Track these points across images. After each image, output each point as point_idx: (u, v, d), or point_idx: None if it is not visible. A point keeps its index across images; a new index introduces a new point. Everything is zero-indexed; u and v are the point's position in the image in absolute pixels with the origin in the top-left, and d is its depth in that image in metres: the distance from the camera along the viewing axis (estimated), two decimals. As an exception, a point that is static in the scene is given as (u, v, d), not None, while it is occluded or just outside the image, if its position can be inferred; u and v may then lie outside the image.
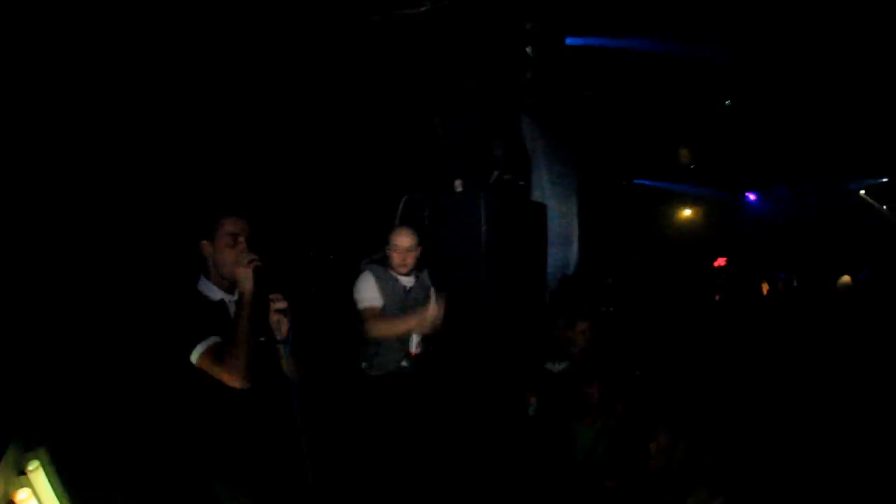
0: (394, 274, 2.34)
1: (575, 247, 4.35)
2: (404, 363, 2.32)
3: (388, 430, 2.30)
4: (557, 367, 2.95)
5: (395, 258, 2.31)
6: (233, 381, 1.54)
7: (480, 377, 2.70)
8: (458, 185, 3.05)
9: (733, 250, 9.01)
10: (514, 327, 3.01)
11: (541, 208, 3.50)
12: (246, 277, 1.54)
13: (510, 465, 2.68)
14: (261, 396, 1.65)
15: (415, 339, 2.30)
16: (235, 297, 1.62)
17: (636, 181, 7.36)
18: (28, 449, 1.41)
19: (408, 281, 2.37)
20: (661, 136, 6.82)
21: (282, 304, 1.63)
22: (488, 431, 2.69)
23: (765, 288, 7.73)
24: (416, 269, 2.39)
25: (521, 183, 3.50)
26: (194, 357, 1.54)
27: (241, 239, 1.63)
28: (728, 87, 5.85)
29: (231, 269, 1.61)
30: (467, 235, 2.75)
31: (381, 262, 2.36)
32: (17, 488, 1.25)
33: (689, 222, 8.98)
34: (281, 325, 1.65)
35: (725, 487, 2.22)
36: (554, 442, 2.75)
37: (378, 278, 2.30)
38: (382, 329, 2.24)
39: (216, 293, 1.67)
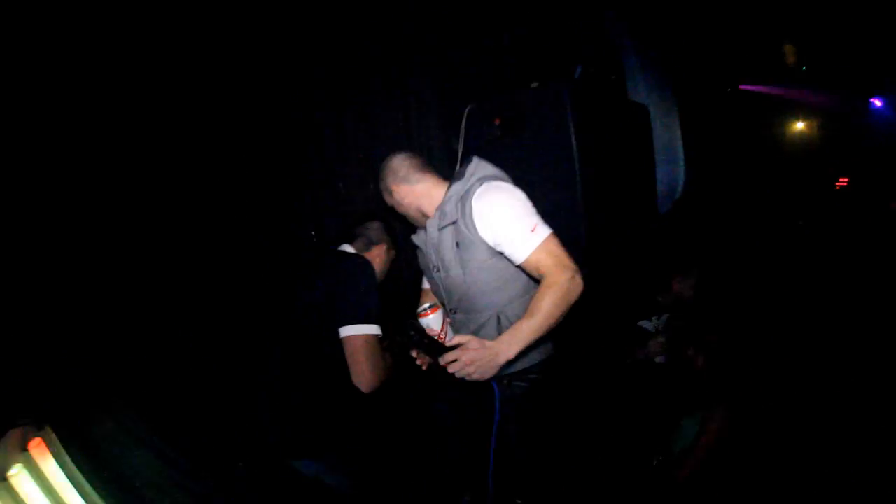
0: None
1: (682, 164, 3.48)
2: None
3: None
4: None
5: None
6: (365, 382, 1.48)
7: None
8: (535, 86, 2.33)
9: (857, 168, 7.47)
10: (619, 265, 2.33)
11: (642, 110, 2.70)
12: None
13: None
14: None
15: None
16: None
17: (742, 87, 6.11)
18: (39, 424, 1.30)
19: (429, 227, 1.57)
20: (767, 29, 5.52)
21: None
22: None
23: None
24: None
25: (612, 77, 2.70)
26: (348, 332, 1.47)
27: None
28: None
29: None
30: (552, 145, 2.07)
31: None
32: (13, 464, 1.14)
33: (802, 136, 7.51)
34: None
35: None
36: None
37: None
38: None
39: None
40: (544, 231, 1.37)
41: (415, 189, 1.56)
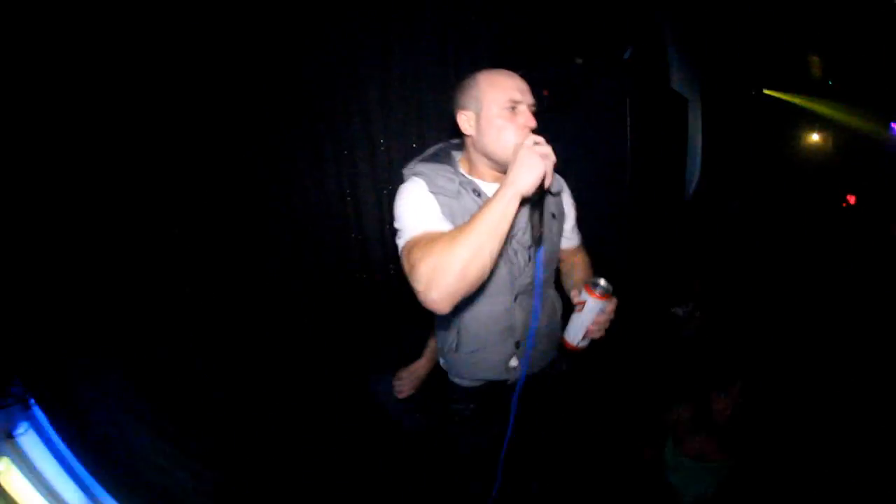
0: (471, 177, 1.20)
1: (698, 161, 3.51)
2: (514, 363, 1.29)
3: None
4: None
5: (509, 120, 1.14)
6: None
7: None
8: (580, 62, 2.31)
9: (867, 189, 7.46)
10: (655, 249, 2.35)
11: (683, 103, 2.69)
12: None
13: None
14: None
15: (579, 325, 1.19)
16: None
17: (765, 92, 6.09)
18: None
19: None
20: (795, 37, 5.49)
21: None
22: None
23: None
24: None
25: (659, 64, 2.68)
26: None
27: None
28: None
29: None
30: (605, 125, 2.06)
31: (440, 159, 1.23)
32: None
33: (815, 149, 7.53)
34: None
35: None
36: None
37: (435, 186, 1.15)
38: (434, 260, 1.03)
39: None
40: None
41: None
